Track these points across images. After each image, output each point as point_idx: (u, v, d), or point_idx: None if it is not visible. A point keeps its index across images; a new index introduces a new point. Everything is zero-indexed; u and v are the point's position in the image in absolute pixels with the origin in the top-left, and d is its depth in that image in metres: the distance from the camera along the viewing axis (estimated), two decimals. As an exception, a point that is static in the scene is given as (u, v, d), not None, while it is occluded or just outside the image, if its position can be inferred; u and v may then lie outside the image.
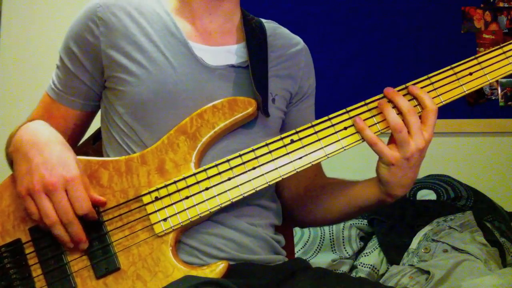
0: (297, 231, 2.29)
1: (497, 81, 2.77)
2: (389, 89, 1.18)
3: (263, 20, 1.40)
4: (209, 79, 1.24)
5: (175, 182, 1.14)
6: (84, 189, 1.10)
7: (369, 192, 1.24)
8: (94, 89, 1.28)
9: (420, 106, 1.17)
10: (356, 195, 1.27)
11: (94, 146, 1.36)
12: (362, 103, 1.19)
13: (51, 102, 1.30)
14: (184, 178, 1.15)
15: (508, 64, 1.20)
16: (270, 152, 1.16)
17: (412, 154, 1.14)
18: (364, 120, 1.18)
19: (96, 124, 1.36)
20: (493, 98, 2.80)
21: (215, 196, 1.14)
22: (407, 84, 1.19)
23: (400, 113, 1.15)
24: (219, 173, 1.15)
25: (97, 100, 1.31)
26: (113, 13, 1.24)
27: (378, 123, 1.18)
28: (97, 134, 1.36)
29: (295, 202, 1.38)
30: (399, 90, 1.19)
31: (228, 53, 1.29)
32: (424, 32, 2.81)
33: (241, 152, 1.16)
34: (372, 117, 1.18)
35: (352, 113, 1.18)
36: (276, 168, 1.16)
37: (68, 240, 1.10)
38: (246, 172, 1.15)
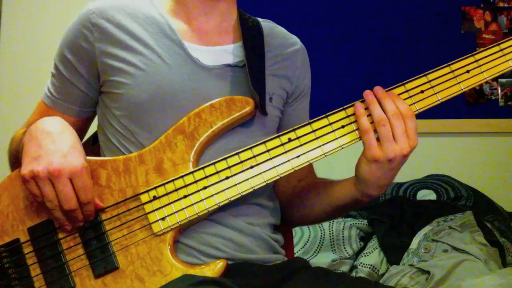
0: (297, 231, 2.29)
1: (497, 81, 2.77)
2: (379, 89, 1.18)
3: (260, 20, 1.39)
4: (205, 79, 1.24)
5: (172, 181, 1.15)
6: (90, 180, 1.12)
7: (345, 191, 1.24)
8: (90, 95, 1.29)
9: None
10: (334, 195, 1.27)
11: (92, 148, 1.37)
12: (359, 101, 1.18)
13: (47, 110, 1.30)
14: (182, 177, 1.15)
15: (505, 62, 1.19)
16: (268, 150, 1.16)
17: (395, 156, 1.13)
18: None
19: (94, 126, 1.36)
20: (493, 98, 2.80)
21: (213, 195, 1.14)
22: (404, 82, 1.19)
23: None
24: (217, 172, 1.15)
25: (93, 106, 1.31)
26: (107, 19, 1.24)
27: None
28: (96, 136, 1.36)
29: (284, 200, 1.38)
30: (395, 87, 1.19)
31: (224, 52, 1.29)
32: (424, 32, 2.81)
33: (239, 151, 1.16)
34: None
35: (349, 111, 1.18)
36: (274, 167, 1.16)
37: (66, 224, 1.12)
38: (244, 171, 1.15)
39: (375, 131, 1.15)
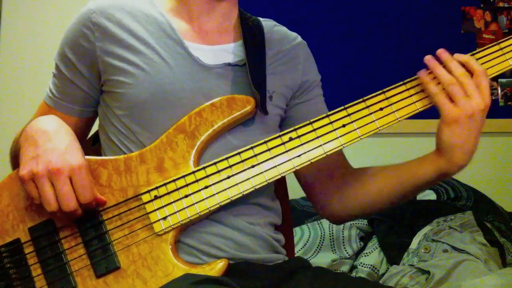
0: (297, 231, 2.29)
1: (497, 81, 2.77)
2: (442, 53, 1.19)
3: (261, 19, 1.40)
4: (206, 78, 1.24)
5: (174, 181, 1.15)
6: (89, 178, 1.12)
7: (428, 167, 1.21)
8: (91, 94, 1.29)
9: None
10: (411, 174, 1.24)
11: (93, 148, 1.37)
12: (360, 100, 1.19)
13: (48, 110, 1.30)
14: (183, 177, 1.15)
15: (505, 61, 1.20)
16: (269, 150, 1.17)
17: (474, 112, 1.13)
18: (362, 118, 1.18)
19: (95, 126, 1.36)
20: (493, 98, 2.80)
21: (214, 195, 1.14)
22: (406, 81, 1.21)
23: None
24: (218, 172, 1.15)
25: (95, 106, 1.31)
26: (107, 18, 1.24)
27: (376, 120, 1.18)
28: (97, 136, 1.36)
29: (334, 194, 1.35)
30: (395, 87, 1.20)
31: (225, 52, 1.29)
32: (424, 32, 2.81)
33: (240, 150, 1.16)
34: (371, 114, 1.18)
35: (350, 110, 1.19)
36: (275, 166, 1.16)
37: (67, 224, 1.12)
38: (245, 170, 1.15)
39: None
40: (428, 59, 1.19)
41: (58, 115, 1.27)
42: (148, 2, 1.30)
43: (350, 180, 1.34)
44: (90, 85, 1.27)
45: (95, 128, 1.37)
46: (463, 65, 1.17)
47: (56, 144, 1.11)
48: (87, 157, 1.17)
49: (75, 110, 1.30)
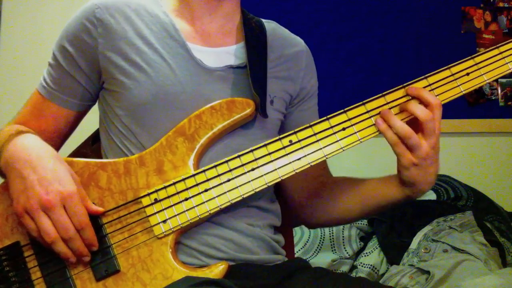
0: (297, 231, 2.29)
1: (497, 81, 2.77)
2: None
3: (264, 20, 1.39)
4: (207, 80, 1.23)
5: (174, 184, 1.14)
6: (82, 203, 1.09)
7: (395, 191, 1.24)
8: (89, 90, 1.27)
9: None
10: (375, 194, 1.27)
11: (93, 147, 1.36)
12: (360, 103, 1.19)
13: (42, 101, 1.28)
14: (183, 180, 1.14)
15: (504, 64, 1.20)
16: (269, 153, 1.16)
17: (427, 154, 1.15)
18: (361, 121, 1.18)
19: (95, 125, 1.36)
20: (493, 98, 2.80)
21: (214, 198, 1.14)
22: (405, 84, 1.19)
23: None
24: (218, 175, 1.15)
25: (91, 100, 1.30)
26: (111, 15, 1.23)
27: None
28: (96, 135, 1.35)
29: (307, 203, 1.38)
30: (396, 90, 1.19)
31: (227, 54, 1.28)
32: (424, 32, 2.81)
33: (240, 153, 1.16)
34: (370, 117, 1.18)
35: (350, 114, 1.18)
36: (275, 169, 1.16)
37: (70, 255, 1.09)
38: (245, 173, 1.15)
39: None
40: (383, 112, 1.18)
41: (51, 107, 1.27)
42: (153, 1, 1.29)
43: (324, 193, 1.36)
44: (88, 80, 1.26)
45: (95, 127, 1.36)
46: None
47: (41, 173, 1.08)
48: (86, 160, 1.16)
49: (70, 103, 1.28)
